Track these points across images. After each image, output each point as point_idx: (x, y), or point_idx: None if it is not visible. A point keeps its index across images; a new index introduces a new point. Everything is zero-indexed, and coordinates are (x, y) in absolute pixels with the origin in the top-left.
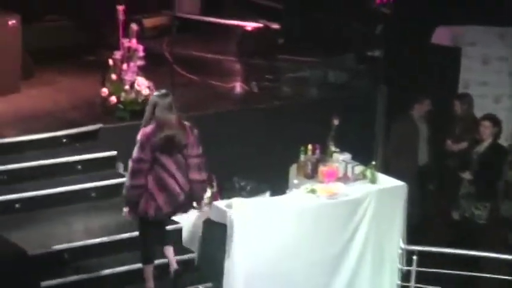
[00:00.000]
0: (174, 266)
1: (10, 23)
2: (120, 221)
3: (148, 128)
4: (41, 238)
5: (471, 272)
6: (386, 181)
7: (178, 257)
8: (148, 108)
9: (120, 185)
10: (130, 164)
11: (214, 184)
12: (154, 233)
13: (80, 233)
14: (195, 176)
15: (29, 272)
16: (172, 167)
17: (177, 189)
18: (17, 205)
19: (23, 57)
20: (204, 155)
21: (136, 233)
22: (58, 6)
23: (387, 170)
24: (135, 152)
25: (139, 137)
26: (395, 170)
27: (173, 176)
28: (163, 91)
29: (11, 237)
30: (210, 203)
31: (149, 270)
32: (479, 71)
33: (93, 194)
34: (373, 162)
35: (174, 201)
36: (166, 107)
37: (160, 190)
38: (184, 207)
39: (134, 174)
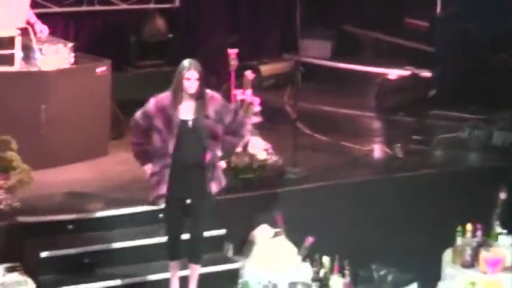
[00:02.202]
0: None
1: (98, 70)
2: None
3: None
4: None
5: None
6: None
7: None
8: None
9: (232, 271)
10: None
11: (347, 272)
12: None
13: None
14: None
15: None
16: None
17: None
18: None
19: (112, 112)
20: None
21: None
22: (155, 48)
23: None
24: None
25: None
26: None
27: None
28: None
29: None
30: None
31: None
32: None
33: None
34: None
35: None
36: None
37: None
38: None
39: None
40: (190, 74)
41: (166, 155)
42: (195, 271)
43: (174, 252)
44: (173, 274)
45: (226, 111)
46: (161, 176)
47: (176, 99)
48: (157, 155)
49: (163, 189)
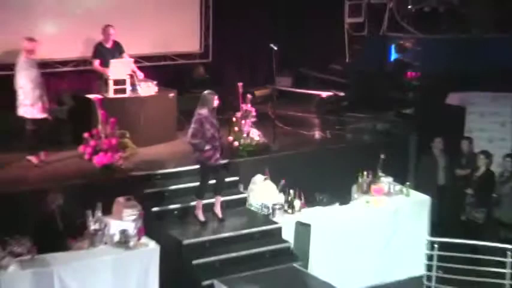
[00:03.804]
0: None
1: (170, 95)
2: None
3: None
4: (194, 229)
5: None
6: (417, 195)
7: (281, 246)
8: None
9: (242, 198)
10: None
11: (303, 197)
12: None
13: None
14: None
15: None
16: None
17: None
18: (175, 212)
19: (178, 117)
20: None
21: None
22: (199, 83)
23: (417, 188)
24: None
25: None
26: (422, 188)
27: None
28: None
29: (168, 230)
30: (300, 210)
31: None
32: (478, 122)
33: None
34: (408, 183)
35: None
36: None
37: None
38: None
39: None
40: (216, 98)
41: (215, 140)
42: (220, 199)
43: (203, 194)
44: (199, 207)
45: None
46: (215, 150)
47: (213, 113)
48: (209, 141)
49: (218, 156)
